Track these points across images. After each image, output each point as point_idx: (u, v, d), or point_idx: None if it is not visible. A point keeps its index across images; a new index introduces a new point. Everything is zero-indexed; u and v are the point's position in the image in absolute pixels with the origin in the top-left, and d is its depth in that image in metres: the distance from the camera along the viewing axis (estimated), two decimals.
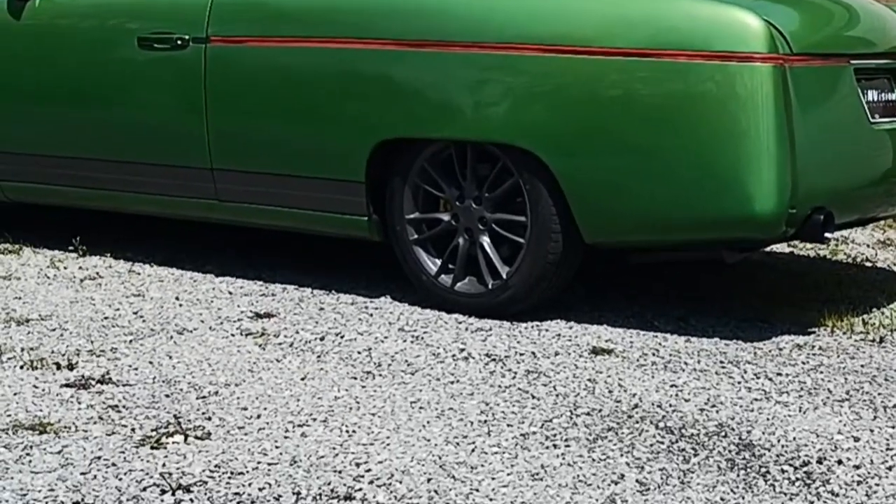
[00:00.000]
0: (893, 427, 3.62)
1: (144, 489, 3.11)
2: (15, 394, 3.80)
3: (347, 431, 3.52)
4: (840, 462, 3.36)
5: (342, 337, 4.41)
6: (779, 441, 3.50)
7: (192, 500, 3.06)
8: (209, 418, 3.61)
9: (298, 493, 3.11)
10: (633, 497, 3.13)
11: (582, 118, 4.44)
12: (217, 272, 5.30)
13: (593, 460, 3.35)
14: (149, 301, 4.86)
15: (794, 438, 3.52)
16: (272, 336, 4.41)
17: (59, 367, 4.03)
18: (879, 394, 3.91)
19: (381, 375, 4.01)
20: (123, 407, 3.70)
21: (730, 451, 3.43)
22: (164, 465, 3.26)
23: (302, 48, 4.88)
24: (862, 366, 4.19)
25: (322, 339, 4.39)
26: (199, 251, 5.65)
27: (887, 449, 3.46)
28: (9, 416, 3.61)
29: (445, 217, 4.75)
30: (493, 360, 4.18)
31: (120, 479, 3.17)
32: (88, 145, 5.41)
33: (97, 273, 5.29)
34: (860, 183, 4.70)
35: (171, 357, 4.17)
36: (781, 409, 3.76)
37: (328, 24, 4.86)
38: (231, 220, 5.25)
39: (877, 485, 3.23)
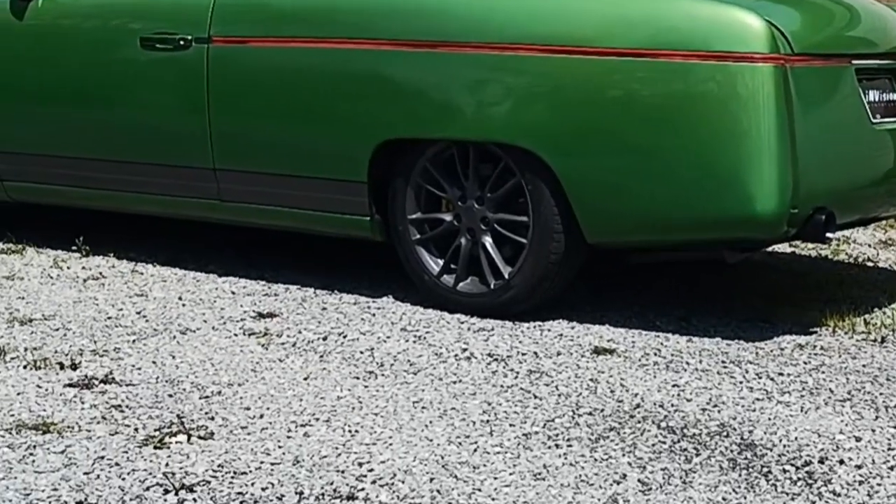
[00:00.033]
0: (895, 427, 3.63)
1: (148, 489, 3.12)
2: (18, 393, 3.80)
3: (350, 431, 3.52)
4: (842, 462, 3.37)
5: (345, 337, 4.42)
6: (780, 441, 3.51)
7: (195, 499, 3.07)
8: (212, 418, 3.61)
9: (301, 493, 3.11)
10: (635, 497, 3.14)
11: (583, 118, 4.44)
12: (220, 272, 5.31)
13: (595, 460, 3.35)
14: (152, 301, 4.87)
15: (796, 438, 3.52)
16: (275, 336, 4.42)
17: (62, 366, 4.04)
18: (881, 394, 3.91)
19: (383, 375, 4.02)
20: (127, 407, 3.70)
21: (732, 451, 3.43)
22: (167, 464, 3.27)
23: (304, 48, 4.89)
24: (864, 366, 4.20)
25: (325, 338, 4.40)
26: (201, 251, 5.65)
27: (889, 449, 3.47)
28: (12, 415, 3.61)
29: (448, 217, 4.76)
30: (496, 359, 4.19)
31: (123, 479, 3.18)
32: (91, 145, 5.42)
33: (100, 273, 5.30)
34: (861, 183, 4.71)
35: (174, 357, 4.18)
36: (783, 408, 3.77)
37: (330, 24, 4.87)
38: (233, 220, 5.25)
39: (878, 485, 3.24)
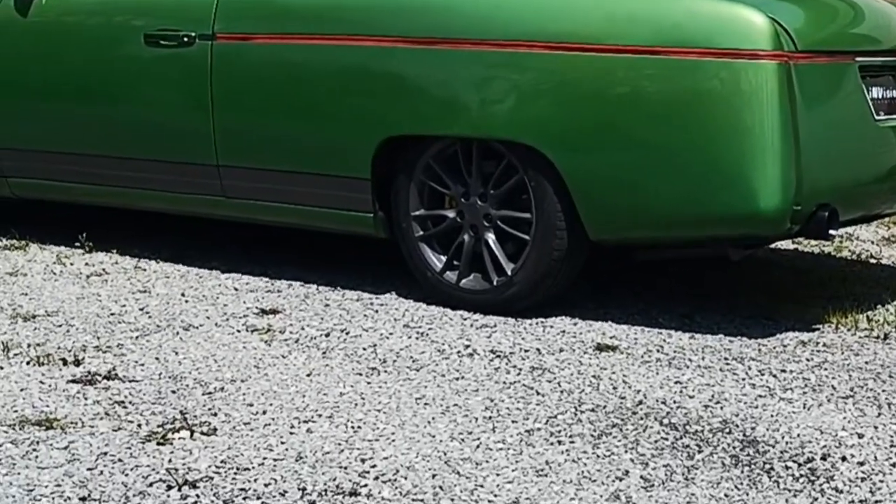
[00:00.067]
0: None
1: (150, 485, 3.13)
2: (21, 389, 3.81)
3: (353, 427, 3.53)
4: (844, 459, 3.37)
5: (347, 333, 4.42)
6: (783, 437, 3.51)
7: (197, 495, 3.07)
8: (215, 414, 3.62)
9: (304, 489, 3.12)
10: (638, 493, 3.14)
11: (587, 115, 4.44)
12: (223, 269, 5.31)
13: (598, 456, 3.35)
14: (155, 297, 4.87)
15: (799, 435, 3.52)
16: (278, 332, 4.42)
17: (65, 363, 4.04)
18: (884, 390, 3.91)
19: (386, 372, 4.02)
20: (130, 403, 3.71)
21: (734, 448, 3.43)
22: (170, 460, 3.27)
23: (308, 45, 4.89)
24: (866, 362, 4.20)
25: (327, 335, 4.40)
26: (204, 248, 5.66)
27: (891, 445, 3.47)
28: (15, 411, 3.62)
29: (451, 214, 4.76)
30: (498, 356, 4.19)
31: (126, 475, 3.18)
32: (95, 142, 5.43)
33: (103, 269, 5.30)
34: (865, 180, 4.70)
35: (177, 353, 4.18)
36: (786, 405, 3.77)
37: (334, 21, 4.87)
38: (237, 217, 5.26)
39: (881, 481, 3.24)
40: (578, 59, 4.42)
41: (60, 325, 4.48)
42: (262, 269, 5.28)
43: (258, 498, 3.07)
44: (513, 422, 3.59)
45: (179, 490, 3.09)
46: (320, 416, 3.61)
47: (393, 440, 3.44)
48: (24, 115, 5.62)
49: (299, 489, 3.12)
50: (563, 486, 3.17)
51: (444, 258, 4.77)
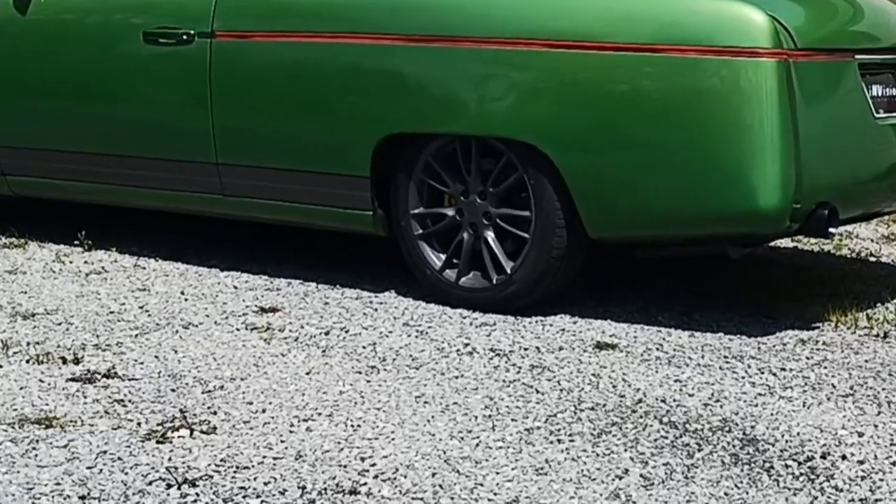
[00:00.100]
0: None
1: (150, 483, 3.12)
2: (21, 388, 3.81)
3: (352, 426, 3.53)
4: (844, 457, 3.37)
5: (347, 331, 4.42)
6: (783, 436, 3.51)
7: (197, 494, 3.07)
8: (215, 413, 3.62)
9: (304, 488, 3.12)
10: (638, 492, 3.14)
11: (586, 113, 4.44)
12: (222, 267, 5.31)
13: (597, 455, 3.35)
14: (154, 296, 4.87)
15: (798, 433, 3.52)
16: (277, 331, 4.42)
17: (64, 361, 4.04)
18: (883, 389, 3.91)
19: (385, 370, 4.02)
20: (129, 401, 3.71)
21: (734, 446, 3.43)
22: (169, 459, 3.27)
23: (307, 43, 4.89)
24: (866, 361, 4.20)
25: (327, 333, 4.40)
26: (203, 246, 5.65)
27: (891, 444, 3.47)
28: (15, 410, 3.62)
29: (450, 212, 4.76)
30: (498, 354, 4.19)
31: (126, 474, 3.18)
32: (94, 140, 5.43)
33: (102, 267, 5.30)
34: (864, 178, 4.70)
35: (176, 351, 4.18)
36: (785, 404, 3.77)
37: (333, 18, 4.87)
38: (236, 215, 5.25)
39: (881, 480, 3.24)
40: (578, 56, 4.42)
41: (60, 324, 4.48)
42: (261, 268, 5.28)
43: (258, 496, 3.07)
44: (512, 420, 3.59)
45: (179, 489, 3.09)
46: (320, 414, 3.61)
47: (393, 439, 3.44)
48: (23, 113, 5.62)
49: (299, 488, 3.12)
50: (562, 484, 3.17)
51: (443, 256, 4.77)
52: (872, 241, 6.14)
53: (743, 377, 4.00)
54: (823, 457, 3.37)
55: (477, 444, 3.41)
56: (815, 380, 3.99)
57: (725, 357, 4.21)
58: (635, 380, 3.96)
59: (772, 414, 3.68)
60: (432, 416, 3.61)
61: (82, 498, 3.04)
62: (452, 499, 3.07)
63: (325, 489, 3.11)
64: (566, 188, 4.48)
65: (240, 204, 5.14)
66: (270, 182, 5.02)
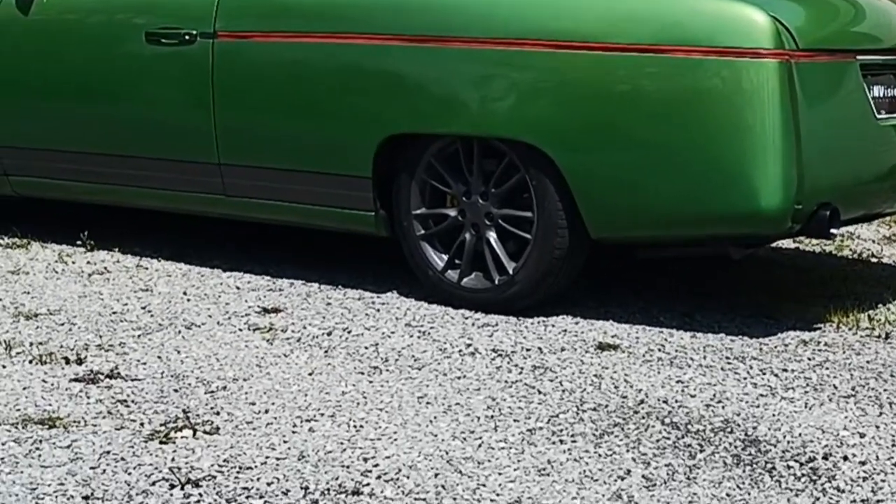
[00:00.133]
0: None
1: (153, 483, 3.13)
2: (24, 388, 3.81)
3: (355, 426, 3.53)
4: (846, 458, 3.37)
5: (349, 332, 4.43)
6: (784, 437, 3.51)
7: (200, 494, 3.08)
8: (217, 413, 3.62)
9: (307, 488, 3.12)
10: (640, 492, 3.14)
11: (588, 114, 4.44)
12: (225, 267, 5.31)
13: (599, 456, 3.36)
14: (157, 296, 4.88)
15: (800, 434, 3.53)
16: (280, 331, 4.43)
17: (67, 361, 4.05)
18: (885, 390, 3.91)
19: (388, 370, 4.03)
20: (132, 402, 3.71)
21: (735, 447, 3.44)
22: (172, 459, 3.28)
23: (309, 44, 4.89)
24: (867, 362, 4.20)
25: (329, 334, 4.41)
26: (206, 246, 5.66)
27: (893, 445, 3.47)
28: (18, 410, 3.62)
29: (452, 212, 4.77)
30: (500, 355, 4.19)
31: (129, 474, 3.18)
32: (96, 140, 5.43)
33: (105, 268, 5.30)
34: (866, 179, 4.71)
35: (179, 352, 4.18)
36: (787, 404, 3.77)
37: (335, 19, 4.87)
38: (238, 215, 5.26)
39: (882, 481, 3.24)
40: (580, 57, 4.42)
41: (62, 324, 4.48)
42: (263, 268, 5.29)
43: (261, 497, 3.07)
44: (514, 421, 3.60)
45: (182, 489, 3.10)
46: (322, 414, 3.62)
47: (395, 439, 3.44)
48: (25, 113, 5.63)
49: (302, 488, 3.12)
50: (564, 485, 3.17)
51: (445, 257, 4.78)
52: (874, 241, 6.14)
53: (745, 378, 4.01)
54: (825, 458, 3.37)
55: (479, 445, 3.41)
56: (817, 381, 3.99)
57: (727, 358, 4.21)
58: (637, 380, 3.96)
59: (774, 415, 3.68)
60: (435, 417, 3.62)
61: (86, 498, 3.04)
62: (455, 499, 3.08)
63: (328, 490, 3.11)
64: (568, 189, 4.49)
65: (242, 204, 5.15)
66: (272, 182, 5.02)
